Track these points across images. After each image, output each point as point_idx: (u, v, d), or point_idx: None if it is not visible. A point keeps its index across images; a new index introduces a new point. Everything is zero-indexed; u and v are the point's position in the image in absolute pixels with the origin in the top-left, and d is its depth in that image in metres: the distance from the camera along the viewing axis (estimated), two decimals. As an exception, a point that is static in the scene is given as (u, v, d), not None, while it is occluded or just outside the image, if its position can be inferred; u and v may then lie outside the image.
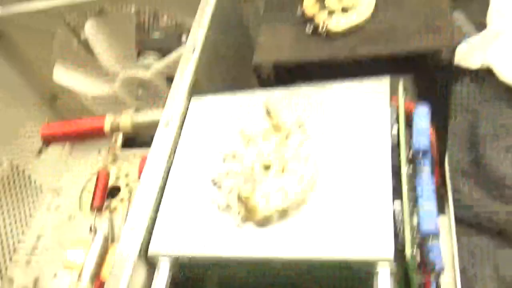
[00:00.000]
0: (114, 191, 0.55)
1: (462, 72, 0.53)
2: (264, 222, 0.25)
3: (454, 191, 0.45)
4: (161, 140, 0.30)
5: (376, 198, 0.24)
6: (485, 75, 0.51)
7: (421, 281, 0.26)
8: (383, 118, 0.27)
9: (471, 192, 0.45)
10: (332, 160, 0.26)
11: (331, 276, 0.24)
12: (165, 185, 0.28)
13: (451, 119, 0.51)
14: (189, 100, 0.32)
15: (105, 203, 0.52)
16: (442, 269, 0.27)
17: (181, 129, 0.31)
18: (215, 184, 0.27)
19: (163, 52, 0.50)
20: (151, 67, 0.49)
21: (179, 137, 0.30)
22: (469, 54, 0.52)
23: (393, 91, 0.29)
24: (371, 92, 0.28)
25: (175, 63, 0.47)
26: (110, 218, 0.49)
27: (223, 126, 0.30)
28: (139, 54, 0.50)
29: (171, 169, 0.29)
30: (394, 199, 0.24)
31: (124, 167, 0.56)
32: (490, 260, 0.42)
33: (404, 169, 0.25)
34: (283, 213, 0.25)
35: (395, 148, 0.26)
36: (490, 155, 0.46)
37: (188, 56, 0.32)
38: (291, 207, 0.25)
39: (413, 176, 0.26)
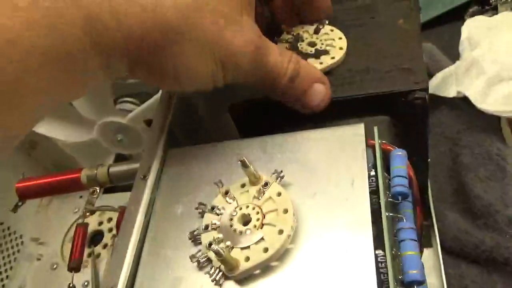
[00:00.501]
0: (97, 236, 0.54)
1: (440, 101, 0.54)
2: (244, 279, 0.24)
3: (439, 221, 0.45)
4: (139, 194, 0.29)
5: (358, 248, 0.24)
6: (462, 104, 0.52)
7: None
8: (359, 165, 0.27)
9: (457, 222, 0.45)
10: (311, 210, 0.26)
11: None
12: (144, 240, 0.28)
13: (431, 149, 0.52)
14: (165, 151, 0.31)
15: (88, 251, 0.51)
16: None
17: (159, 181, 0.30)
18: (193, 239, 0.26)
19: (140, 96, 0.50)
20: (129, 113, 0.48)
21: (157, 189, 0.30)
22: (444, 84, 0.53)
23: (369, 133, 0.29)
24: (346, 139, 0.28)
25: (153, 108, 0.47)
26: (93, 268, 0.48)
27: (200, 178, 0.29)
28: (116, 100, 0.50)
29: (149, 223, 0.28)
30: (376, 248, 0.24)
31: (107, 212, 0.55)
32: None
33: (384, 215, 0.25)
34: (264, 267, 0.24)
35: (375, 192, 0.26)
36: (473, 184, 0.46)
37: (163, 109, 0.32)
38: (272, 260, 0.24)
39: (395, 219, 0.26)
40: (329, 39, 0.34)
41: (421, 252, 0.35)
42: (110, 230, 0.54)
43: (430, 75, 0.56)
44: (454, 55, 0.57)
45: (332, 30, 0.34)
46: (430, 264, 0.43)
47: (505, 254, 0.41)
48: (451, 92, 0.51)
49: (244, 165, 0.26)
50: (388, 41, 0.35)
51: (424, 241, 0.44)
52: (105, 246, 0.53)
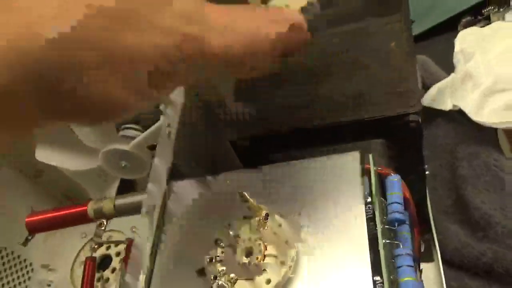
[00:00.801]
0: (105, 260, 0.55)
1: (436, 114, 0.55)
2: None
3: (440, 234, 0.46)
4: (144, 229, 0.30)
5: (356, 275, 0.25)
6: (458, 116, 0.52)
7: None
8: (356, 192, 0.28)
9: (457, 234, 0.46)
10: (311, 239, 0.27)
11: None
12: (151, 276, 0.29)
13: (429, 161, 0.52)
14: (169, 184, 0.32)
15: (97, 275, 0.52)
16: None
17: (163, 216, 0.31)
18: (200, 274, 0.27)
19: (142, 123, 0.51)
20: (132, 140, 0.50)
21: (163, 223, 0.31)
22: (439, 97, 0.53)
23: (366, 158, 0.30)
24: (343, 167, 0.29)
25: (155, 135, 0.48)
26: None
27: (204, 211, 0.30)
28: (118, 127, 0.51)
29: (156, 259, 0.29)
30: (374, 274, 0.25)
31: (115, 235, 0.56)
32: (482, 303, 0.42)
33: (381, 242, 0.26)
34: (266, 299, 0.25)
35: (372, 219, 0.27)
36: (472, 195, 0.47)
37: (165, 142, 0.33)
38: (275, 291, 0.25)
39: (392, 245, 0.27)
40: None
41: (420, 271, 0.36)
42: (118, 254, 0.55)
43: (426, 88, 0.57)
44: (449, 66, 0.58)
45: None
46: (432, 277, 0.43)
47: (505, 265, 0.42)
48: (447, 105, 0.52)
49: (244, 199, 0.27)
50: (380, 64, 0.36)
51: (425, 255, 0.44)
52: (113, 270, 0.54)
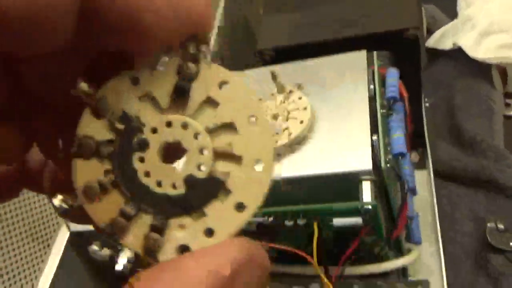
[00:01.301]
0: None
1: (437, 54, 0.61)
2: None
3: (434, 151, 0.53)
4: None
5: (359, 133, 0.32)
6: (457, 54, 0.59)
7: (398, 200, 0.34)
8: (361, 77, 0.35)
9: (448, 151, 0.53)
10: (325, 108, 0.34)
11: (331, 187, 0.32)
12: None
13: (431, 94, 0.60)
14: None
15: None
16: (414, 188, 0.35)
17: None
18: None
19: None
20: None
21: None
22: (442, 38, 0.60)
23: (370, 63, 0.37)
24: (352, 61, 0.37)
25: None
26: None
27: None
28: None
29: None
30: (372, 133, 0.32)
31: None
32: (466, 204, 0.50)
33: (379, 112, 0.33)
34: (289, 148, 0.33)
35: (373, 99, 0.35)
36: (464, 120, 0.54)
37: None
38: (295, 143, 0.33)
39: (388, 120, 0.35)
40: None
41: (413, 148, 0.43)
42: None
43: (431, 33, 0.64)
44: (453, 14, 0.64)
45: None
46: (424, 184, 0.51)
47: (488, 174, 0.49)
48: (447, 45, 0.59)
49: (274, 77, 0.34)
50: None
51: (419, 164, 0.52)
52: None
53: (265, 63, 0.44)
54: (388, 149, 0.33)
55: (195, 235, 0.13)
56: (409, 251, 0.39)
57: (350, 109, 0.34)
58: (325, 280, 0.33)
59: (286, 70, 0.37)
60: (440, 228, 0.48)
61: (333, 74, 0.36)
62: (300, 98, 0.35)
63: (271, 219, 0.32)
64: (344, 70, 0.36)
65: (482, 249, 0.46)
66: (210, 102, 0.13)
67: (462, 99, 0.56)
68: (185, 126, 0.13)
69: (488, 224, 0.46)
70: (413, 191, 0.35)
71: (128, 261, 0.13)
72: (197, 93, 0.13)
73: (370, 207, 0.29)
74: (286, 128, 0.33)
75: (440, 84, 0.60)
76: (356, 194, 0.31)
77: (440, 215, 0.48)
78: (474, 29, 0.57)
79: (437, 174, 0.53)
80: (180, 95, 0.13)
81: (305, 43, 0.43)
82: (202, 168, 0.13)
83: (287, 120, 0.34)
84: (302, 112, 0.34)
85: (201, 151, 0.13)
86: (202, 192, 0.13)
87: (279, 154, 0.33)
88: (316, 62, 0.38)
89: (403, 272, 0.39)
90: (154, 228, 0.13)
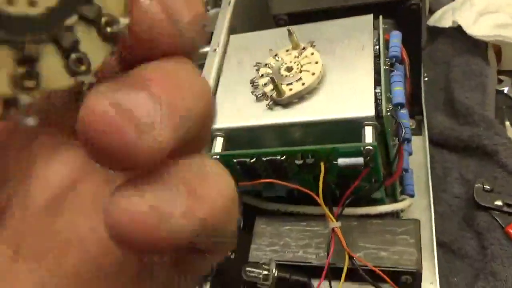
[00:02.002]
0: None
1: (437, 32, 0.65)
2: (287, 104, 0.37)
3: (429, 121, 0.58)
4: (211, 61, 0.42)
5: (364, 85, 0.36)
6: (455, 33, 0.63)
7: (395, 147, 0.38)
8: (367, 37, 0.39)
9: (442, 121, 0.57)
10: (334, 64, 0.38)
11: (338, 131, 0.36)
12: (217, 84, 0.40)
13: (429, 70, 0.64)
14: (229, 35, 0.44)
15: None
16: (409, 139, 0.39)
17: (225, 53, 0.43)
18: (252, 83, 0.39)
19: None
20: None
21: (224, 58, 0.43)
22: (442, 17, 0.64)
23: (376, 26, 0.41)
24: (359, 23, 0.41)
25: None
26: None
27: (257, 49, 0.42)
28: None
29: (220, 78, 0.41)
30: (375, 85, 0.36)
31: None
32: (457, 169, 0.54)
33: (382, 68, 0.37)
34: (301, 97, 0.37)
35: (377, 57, 0.39)
36: (459, 93, 0.58)
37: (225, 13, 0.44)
38: (306, 92, 0.37)
39: (390, 75, 0.39)
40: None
41: (411, 116, 0.47)
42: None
43: (432, 12, 0.68)
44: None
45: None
46: (420, 148, 0.55)
47: (478, 141, 0.53)
48: (447, 23, 0.63)
49: (290, 33, 0.38)
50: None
51: (415, 131, 0.56)
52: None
53: (279, 26, 0.48)
54: (389, 100, 0.37)
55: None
56: (403, 200, 0.43)
57: (356, 65, 0.38)
58: (331, 217, 0.37)
59: (300, 31, 0.41)
60: (432, 189, 0.52)
61: (342, 34, 0.40)
62: (312, 54, 0.38)
63: (283, 157, 0.36)
64: (352, 31, 0.40)
65: (469, 208, 0.51)
66: None
67: (458, 74, 0.60)
68: None
69: (476, 185, 0.50)
70: (408, 141, 0.39)
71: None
72: None
73: (371, 147, 0.33)
74: (300, 79, 0.37)
75: (438, 61, 0.64)
76: (359, 138, 0.35)
77: (432, 178, 0.53)
78: (472, 8, 0.61)
79: (431, 142, 0.57)
80: None
81: (316, 9, 0.46)
82: None
83: (300, 72, 0.38)
84: (314, 66, 0.37)
85: None
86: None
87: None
88: (327, 24, 0.42)
89: (396, 217, 0.43)
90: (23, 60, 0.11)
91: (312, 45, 0.39)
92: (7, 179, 0.14)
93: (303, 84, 0.37)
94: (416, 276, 0.37)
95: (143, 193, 0.11)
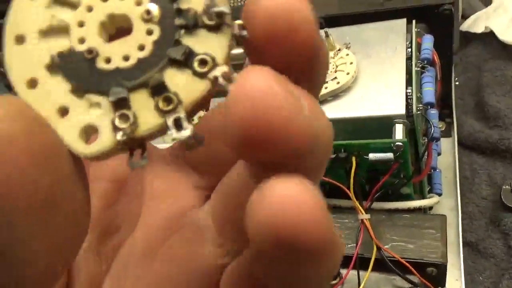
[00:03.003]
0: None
1: (470, 37, 0.66)
2: (323, 101, 0.39)
3: (459, 124, 0.59)
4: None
5: (396, 85, 0.38)
6: (488, 38, 0.64)
7: (424, 145, 0.40)
8: (400, 40, 0.41)
9: (472, 124, 0.59)
10: (367, 64, 0.40)
11: (370, 128, 0.38)
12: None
13: (461, 74, 0.65)
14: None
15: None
16: (438, 138, 0.41)
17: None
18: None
19: None
20: None
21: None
22: (475, 22, 0.65)
23: (409, 30, 0.43)
24: (393, 26, 0.43)
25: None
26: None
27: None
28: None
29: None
30: (407, 86, 0.38)
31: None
32: (485, 171, 0.55)
33: (414, 69, 0.39)
34: (335, 95, 0.39)
35: (409, 59, 0.41)
36: (489, 98, 0.59)
37: None
38: (341, 90, 0.39)
39: (421, 76, 0.40)
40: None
41: (441, 119, 0.49)
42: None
43: (466, 18, 0.69)
44: (487, 2, 0.69)
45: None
46: (449, 150, 0.57)
47: (507, 144, 0.54)
48: (480, 28, 0.64)
49: (326, 35, 0.41)
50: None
51: (445, 133, 0.58)
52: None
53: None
54: (419, 99, 0.39)
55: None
56: (430, 197, 0.45)
57: (389, 66, 0.40)
58: (361, 209, 0.39)
59: (336, 33, 0.43)
60: (460, 190, 0.54)
61: (376, 37, 0.42)
62: (347, 55, 0.41)
63: (317, 151, 0.38)
64: (386, 34, 0.42)
65: (496, 209, 0.52)
66: None
67: (489, 79, 0.61)
68: None
69: (503, 187, 0.51)
70: (437, 139, 0.41)
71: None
72: None
73: (401, 143, 0.36)
74: (335, 78, 0.39)
75: (470, 66, 0.65)
76: (390, 135, 0.37)
77: (460, 179, 0.54)
78: (505, 15, 0.62)
79: (460, 144, 0.58)
80: None
81: (352, 13, 0.49)
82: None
83: (335, 72, 0.40)
84: (349, 66, 0.40)
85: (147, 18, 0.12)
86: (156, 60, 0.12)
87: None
88: (362, 27, 0.44)
89: (424, 213, 0.45)
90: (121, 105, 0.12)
91: (348, 47, 0.42)
92: (117, 229, 0.15)
93: (338, 83, 0.39)
94: (441, 269, 0.39)
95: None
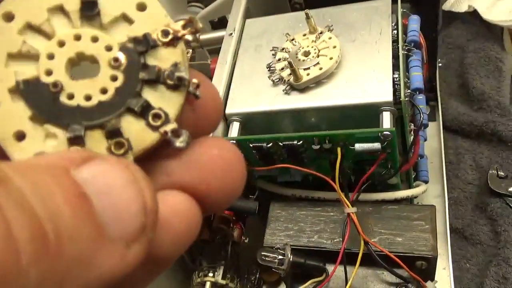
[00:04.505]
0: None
1: (453, 17, 0.64)
2: (304, 88, 0.37)
3: (443, 108, 0.57)
4: (227, 45, 0.42)
5: (382, 70, 0.36)
6: (471, 18, 0.62)
7: (412, 132, 0.38)
8: (385, 22, 0.38)
9: (457, 107, 0.57)
10: (352, 49, 0.38)
11: (355, 117, 0.35)
12: (233, 71, 0.40)
13: (444, 55, 0.63)
14: (244, 21, 0.44)
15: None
16: (426, 124, 0.39)
17: (241, 37, 0.42)
18: (269, 67, 0.39)
19: (206, 1, 0.62)
20: (199, 13, 0.60)
21: (240, 42, 0.42)
22: (458, 1, 0.63)
23: (394, 11, 0.41)
24: (378, 7, 0.40)
25: (217, 9, 0.58)
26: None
27: (273, 33, 0.41)
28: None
29: (236, 62, 0.41)
30: (394, 70, 0.36)
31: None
32: (470, 155, 0.54)
33: (401, 52, 0.37)
34: (318, 81, 0.37)
35: (395, 42, 0.38)
36: (473, 79, 0.58)
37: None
38: (324, 76, 0.36)
39: (408, 59, 0.38)
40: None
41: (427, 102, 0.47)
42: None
43: (448, -3, 0.67)
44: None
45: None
46: (434, 134, 0.55)
47: (492, 127, 0.53)
48: (463, 7, 0.62)
49: (307, 16, 0.38)
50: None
51: (429, 117, 0.56)
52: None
53: (295, 10, 0.47)
54: (407, 85, 0.36)
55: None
56: (417, 185, 0.43)
57: (375, 50, 0.37)
58: (347, 202, 0.37)
59: (317, 14, 0.41)
60: (446, 175, 0.52)
61: (360, 18, 0.40)
62: (330, 38, 0.38)
63: (300, 142, 0.36)
64: (370, 15, 0.40)
65: (482, 194, 0.51)
66: (125, 19, 0.13)
67: (473, 59, 0.60)
68: (95, 39, 0.13)
69: (490, 171, 0.50)
70: (425, 126, 0.39)
71: None
72: (112, 8, 0.13)
73: (389, 132, 0.33)
74: (317, 63, 0.37)
75: (452, 46, 0.64)
76: (375, 123, 0.35)
77: (446, 164, 0.53)
78: (489, -7, 0.60)
79: (445, 128, 0.57)
80: (89, 9, 0.13)
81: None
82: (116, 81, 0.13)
83: (318, 56, 0.37)
84: (332, 50, 0.37)
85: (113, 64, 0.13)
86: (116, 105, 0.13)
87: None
88: (344, 8, 0.41)
89: (410, 203, 0.43)
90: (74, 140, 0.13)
91: (330, 30, 0.39)
92: None
93: (320, 68, 0.36)
94: (431, 262, 0.37)
95: None
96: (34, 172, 0.10)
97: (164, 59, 0.13)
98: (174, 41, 0.13)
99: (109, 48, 0.13)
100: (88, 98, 0.13)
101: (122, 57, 0.13)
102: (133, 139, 0.13)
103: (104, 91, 0.13)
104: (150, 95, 0.13)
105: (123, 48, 0.13)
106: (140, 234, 0.11)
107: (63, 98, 0.13)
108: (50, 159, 0.11)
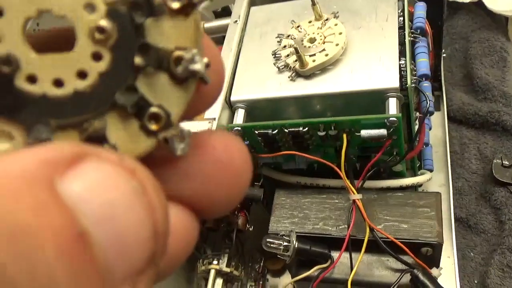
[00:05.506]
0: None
1: (458, 7, 0.64)
2: (310, 75, 0.37)
3: (447, 98, 0.57)
4: (232, 33, 0.42)
5: (388, 56, 0.36)
6: (475, 8, 0.62)
7: (417, 119, 0.38)
8: (392, 8, 0.38)
9: (461, 97, 0.57)
10: (358, 35, 0.38)
11: (361, 103, 0.35)
12: (238, 57, 0.40)
13: (448, 46, 0.63)
14: (249, 8, 0.44)
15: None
16: (432, 111, 0.38)
17: (246, 24, 0.42)
18: (274, 54, 0.39)
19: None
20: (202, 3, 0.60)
21: (245, 29, 0.42)
22: (463, -9, 0.63)
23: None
24: (383, -5, 0.40)
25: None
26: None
27: (278, 20, 0.41)
28: None
29: (241, 49, 0.41)
30: (400, 57, 0.36)
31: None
32: (475, 144, 0.54)
33: (407, 39, 0.37)
34: (324, 68, 0.37)
35: (401, 29, 0.38)
36: (478, 69, 0.58)
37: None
38: (330, 63, 0.36)
39: (414, 46, 0.38)
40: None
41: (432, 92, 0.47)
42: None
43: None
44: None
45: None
46: (438, 123, 0.55)
47: (497, 117, 0.53)
48: (468, -2, 0.62)
49: (313, 3, 0.38)
50: None
51: (435, 106, 0.56)
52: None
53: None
54: (414, 71, 0.36)
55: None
56: (422, 174, 0.43)
57: (381, 36, 0.37)
58: (352, 189, 0.37)
59: (322, 1, 0.40)
60: (450, 165, 0.52)
61: (366, 5, 0.39)
62: (336, 25, 0.38)
63: (305, 129, 0.36)
64: (376, 2, 0.39)
65: (487, 183, 0.51)
66: None
67: (477, 50, 0.60)
68: None
69: (494, 160, 0.50)
70: (431, 113, 0.39)
71: None
72: None
73: (395, 118, 0.33)
74: (323, 50, 0.37)
75: (457, 36, 0.63)
76: (381, 110, 0.35)
77: (450, 154, 0.52)
78: (494, -17, 0.59)
79: (449, 117, 0.56)
80: None
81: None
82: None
83: (323, 43, 0.37)
84: (338, 37, 0.37)
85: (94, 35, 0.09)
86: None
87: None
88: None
89: (415, 190, 0.43)
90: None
91: (336, 16, 0.39)
92: None
93: (326, 55, 0.36)
94: (437, 248, 0.37)
95: None
96: None
97: (171, 34, 0.09)
98: (187, 8, 0.09)
99: (91, 7, 0.09)
100: (58, 83, 0.09)
101: (111, 27, 0.09)
102: (122, 146, 0.09)
103: (82, 74, 0.09)
104: (147, 88, 0.09)
105: (112, 12, 0.09)
106: (149, 265, 0.09)
107: (21, 82, 0.09)
108: (23, 164, 0.07)
